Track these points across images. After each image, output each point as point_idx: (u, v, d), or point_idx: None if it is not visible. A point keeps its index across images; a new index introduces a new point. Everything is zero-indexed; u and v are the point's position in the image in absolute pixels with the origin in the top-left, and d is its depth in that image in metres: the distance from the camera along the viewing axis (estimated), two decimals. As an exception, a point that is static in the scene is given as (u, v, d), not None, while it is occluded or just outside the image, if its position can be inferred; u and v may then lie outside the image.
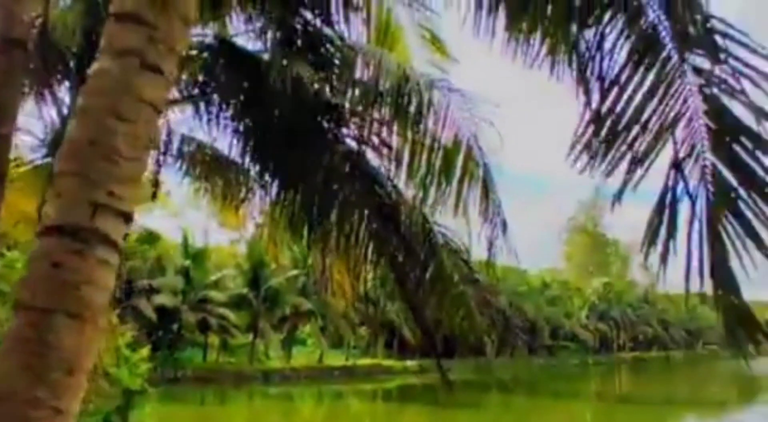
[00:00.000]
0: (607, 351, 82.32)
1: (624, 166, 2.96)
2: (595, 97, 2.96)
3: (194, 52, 5.38)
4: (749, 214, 2.96)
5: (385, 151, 4.96)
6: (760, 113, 2.72)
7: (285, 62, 4.37)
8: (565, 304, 77.44)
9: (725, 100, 2.79)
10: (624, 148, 2.92)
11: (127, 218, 1.95)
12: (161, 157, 6.22)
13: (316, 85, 4.75)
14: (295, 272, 42.48)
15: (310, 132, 4.84)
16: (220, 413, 30.27)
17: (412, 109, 4.62)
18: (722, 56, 2.72)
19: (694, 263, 3.06)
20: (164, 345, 35.77)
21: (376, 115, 4.76)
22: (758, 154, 2.79)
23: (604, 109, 2.93)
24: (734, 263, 3.15)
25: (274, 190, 5.50)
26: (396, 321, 43.76)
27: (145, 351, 8.23)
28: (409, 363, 46.46)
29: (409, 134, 4.73)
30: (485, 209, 4.85)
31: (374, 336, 53.09)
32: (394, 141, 4.88)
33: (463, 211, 4.84)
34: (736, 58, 2.74)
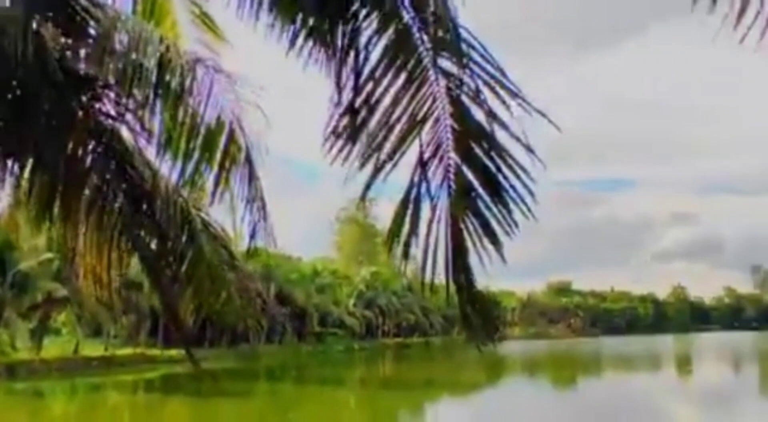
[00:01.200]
0: (372, 337, 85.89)
1: (378, 159, 3.05)
2: (351, 88, 3.02)
3: None
4: (487, 213, 3.19)
5: (142, 130, 4.69)
6: (493, 117, 2.94)
7: (26, 24, 3.95)
8: (334, 292, 79.55)
9: (468, 103, 2.98)
10: (376, 142, 3.01)
11: None
12: None
13: (64, 54, 4.36)
14: (49, 255, 39.21)
15: (56, 105, 4.43)
16: (-49, 412, 27.12)
17: (174, 86, 4.41)
18: (465, 61, 2.90)
19: (439, 257, 3.25)
20: None
21: (134, 91, 4.47)
22: (494, 155, 3.02)
23: (358, 103, 3.00)
24: (474, 257, 3.39)
25: (15, 166, 4.98)
26: (160, 308, 42.03)
27: None
28: (174, 351, 44.95)
29: (170, 113, 4.51)
30: (248, 195, 4.78)
31: (136, 325, 50.67)
32: (154, 120, 4.64)
33: (224, 196, 4.73)
34: (477, 64, 2.93)
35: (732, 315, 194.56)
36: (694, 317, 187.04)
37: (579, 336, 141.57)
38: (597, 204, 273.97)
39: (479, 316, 3.17)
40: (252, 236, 4.94)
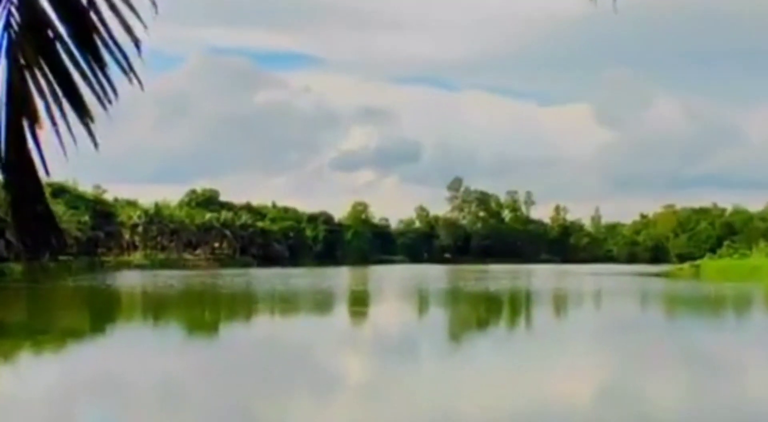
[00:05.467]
0: None
1: None
2: None
3: None
4: (70, 67, 3.04)
5: None
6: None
7: None
8: None
9: None
10: None
11: None
12: None
13: None
14: None
15: None
16: None
17: None
18: None
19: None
20: None
21: None
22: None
23: None
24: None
25: None
26: None
27: None
28: None
29: None
30: None
31: None
32: None
33: None
34: None
35: (422, 243, 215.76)
36: (376, 245, 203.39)
37: (226, 266, 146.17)
38: (267, 84, 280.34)
39: (42, 225, 3.03)
40: None
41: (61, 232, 3.21)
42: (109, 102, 3.25)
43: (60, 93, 3.09)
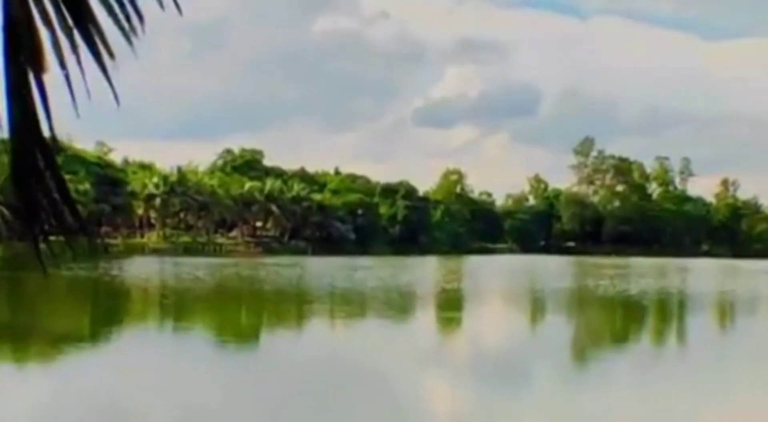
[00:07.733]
0: None
1: None
2: None
3: None
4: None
5: None
6: None
7: None
8: None
9: None
10: None
11: None
12: None
13: None
14: None
15: None
16: None
17: None
18: None
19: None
20: None
21: None
22: None
23: None
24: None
25: None
26: None
27: None
28: None
29: None
30: None
31: None
32: None
33: None
34: None
35: (538, 227, 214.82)
36: (476, 227, 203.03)
37: (271, 252, 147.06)
38: (330, 8, 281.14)
39: (51, 198, 3.05)
40: None
41: (76, 207, 3.20)
42: (134, 32, 3.24)
43: (70, 21, 3.07)
